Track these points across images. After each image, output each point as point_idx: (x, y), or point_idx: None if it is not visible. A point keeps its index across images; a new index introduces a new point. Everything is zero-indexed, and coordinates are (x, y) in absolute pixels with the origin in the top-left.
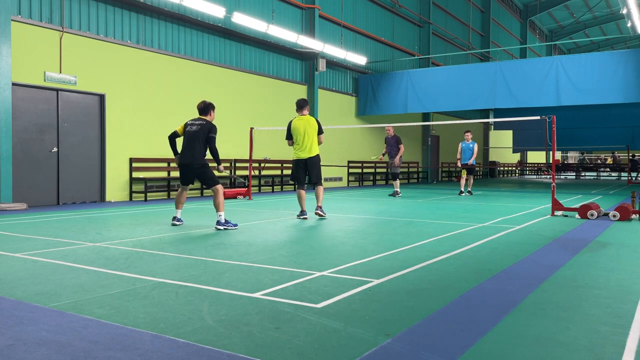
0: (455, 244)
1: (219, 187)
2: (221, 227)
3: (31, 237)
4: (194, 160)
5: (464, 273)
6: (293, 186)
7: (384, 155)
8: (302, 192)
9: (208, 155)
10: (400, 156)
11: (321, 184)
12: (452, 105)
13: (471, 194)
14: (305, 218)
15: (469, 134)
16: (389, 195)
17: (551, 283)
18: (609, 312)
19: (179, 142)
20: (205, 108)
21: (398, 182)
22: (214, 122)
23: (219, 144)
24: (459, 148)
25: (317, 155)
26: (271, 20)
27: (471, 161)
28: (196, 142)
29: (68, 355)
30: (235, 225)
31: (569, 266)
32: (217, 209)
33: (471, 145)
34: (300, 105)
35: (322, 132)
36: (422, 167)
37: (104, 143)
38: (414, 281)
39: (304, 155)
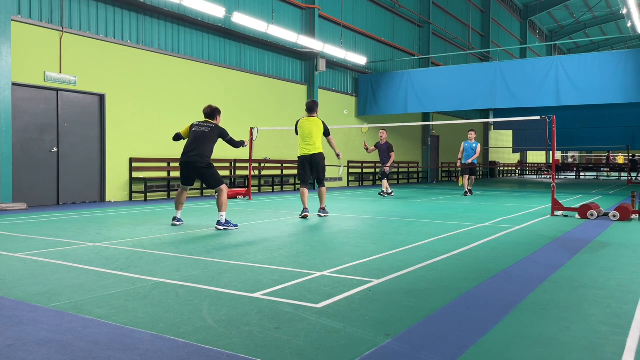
0: (455, 244)
1: (224, 187)
2: (221, 227)
3: (31, 237)
4: (201, 159)
5: (464, 273)
6: (293, 186)
7: (368, 150)
8: (306, 190)
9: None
10: (392, 162)
11: (324, 185)
12: (452, 105)
13: (471, 194)
14: (306, 216)
15: (472, 133)
16: (379, 194)
17: (551, 283)
18: (609, 312)
19: (182, 144)
20: (212, 112)
21: (386, 182)
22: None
23: (220, 144)
24: (461, 147)
25: (321, 153)
26: (271, 20)
27: (471, 160)
28: (205, 142)
29: (68, 355)
30: (236, 225)
31: (569, 266)
32: (220, 208)
33: (474, 145)
34: (310, 107)
35: (330, 134)
36: (422, 167)
37: (104, 143)
38: (414, 281)
39: (308, 151)
